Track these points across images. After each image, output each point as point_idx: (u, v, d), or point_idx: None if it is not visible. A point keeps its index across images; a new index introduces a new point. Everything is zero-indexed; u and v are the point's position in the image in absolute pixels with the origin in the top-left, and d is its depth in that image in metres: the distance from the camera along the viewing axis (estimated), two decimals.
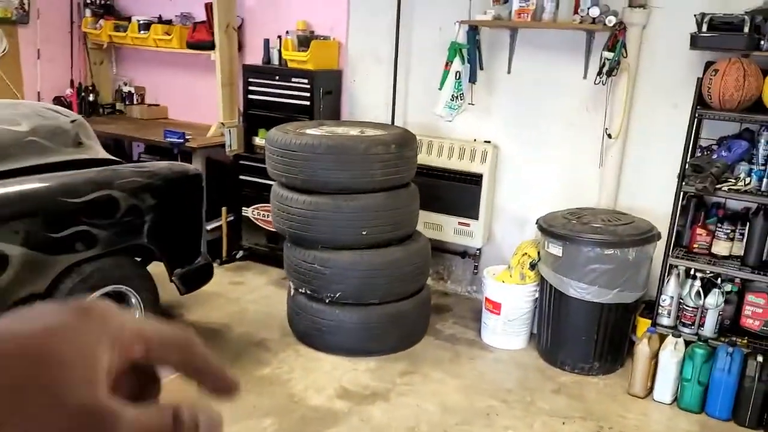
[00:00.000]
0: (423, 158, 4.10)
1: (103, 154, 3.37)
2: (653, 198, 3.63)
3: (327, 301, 3.41)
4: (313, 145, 3.22)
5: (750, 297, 3.23)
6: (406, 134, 3.48)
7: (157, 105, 5.32)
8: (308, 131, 3.51)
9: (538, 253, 3.52)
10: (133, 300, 3.10)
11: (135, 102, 5.33)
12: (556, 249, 3.32)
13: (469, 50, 3.81)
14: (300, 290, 3.51)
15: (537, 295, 3.59)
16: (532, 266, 3.56)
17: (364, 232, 3.31)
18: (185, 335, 0.38)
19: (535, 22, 3.51)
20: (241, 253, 4.73)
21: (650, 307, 3.50)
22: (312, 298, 3.47)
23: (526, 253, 3.58)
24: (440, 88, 3.78)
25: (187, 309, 3.92)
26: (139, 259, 3.31)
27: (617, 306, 3.31)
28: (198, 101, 5.05)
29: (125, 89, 5.36)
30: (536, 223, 3.51)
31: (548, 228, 3.37)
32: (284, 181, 3.41)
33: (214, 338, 3.60)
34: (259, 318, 3.87)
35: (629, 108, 3.55)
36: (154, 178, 3.14)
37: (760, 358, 2.98)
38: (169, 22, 4.91)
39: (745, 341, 3.23)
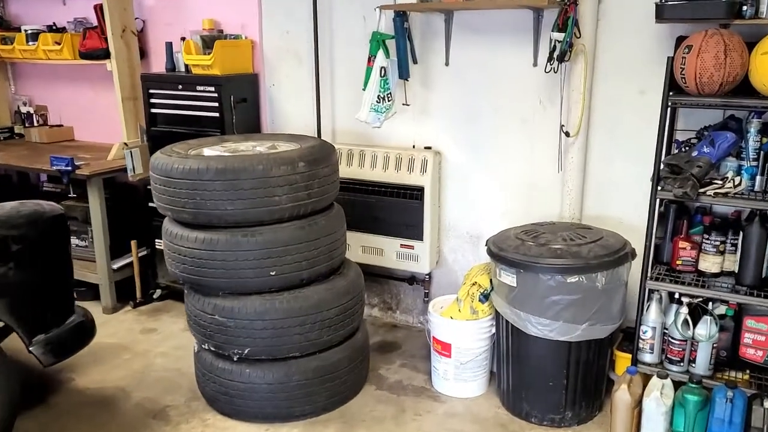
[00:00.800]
0: (355, 171, 3.49)
1: None
2: (625, 205, 3.02)
3: (235, 358, 2.77)
4: (198, 170, 2.58)
5: (749, 322, 2.63)
6: (322, 147, 2.85)
7: (61, 126, 4.65)
8: (204, 151, 2.87)
9: (491, 281, 2.91)
10: None
11: (36, 123, 4.66)
12: (509, 278, 2.71)
13: (397, 41, 3.18)
14: (204, 346, 2.88)
15: (493, 330, 2.97)
16: (485, 297, 2.94)
17: (272, 273, 2.67)
18: None
19: (470, 1, 2.88)
20: (158, 293, 4.07)
21: (630, 337, 2.90)
22: (217, 355, 2.83)
23: (476, 282, 2.96)
24: (364, 89, 3.15)
25: (79, 370, 3.26)
26: None
27: (588, 343, 2.70)
28: (102, 119, 4.39)
29: (24, 110, 4.69)
30: (486, 245, 2.89)
31: (499, 252, 2.75)
32: (172, 215, 2.77)
33: (104, 410, 2.95)
34: (167, 377, 3.22)
35: (588, 99, 2.94)
36: None
37: (767, 404, 2.37)
38: (62, 30, 4.25)
39: (747, 376, 2.64)
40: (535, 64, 3.04)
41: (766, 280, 2.59)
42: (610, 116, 2.97)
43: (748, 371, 2.65)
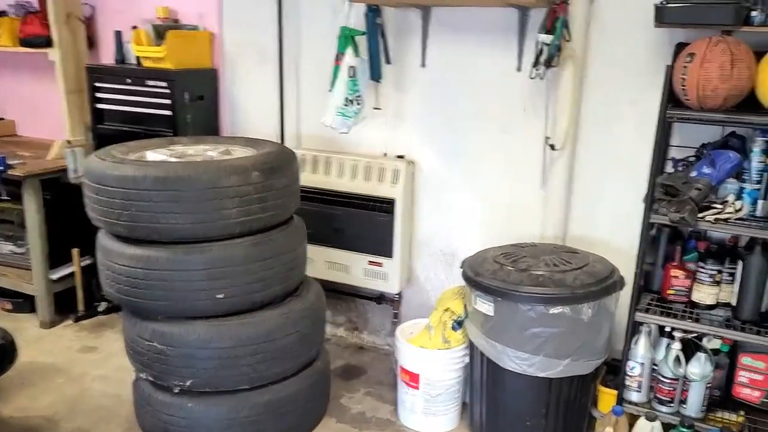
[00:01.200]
0: (320, 180, 3.19)
1: None
2: (613, 226, 2.77)
3: (176, 390, 2.45)
4: (134, 178, 2.25)
5: (745, 359, 2.40)
6: (280, 154, 2.54)
7: (2, 119, 4.26)
8: (146, 155, 2.55)
9: (465, 307, 2.63)
10: None
11: None
12: (485, 306, 2.43)
13: (369, 38, 2.89)
14: (141, 376, 2.55)
15: (467, 359, 2.70)
16: (458, 324, 2.67)
17: (219, 296, 2.36)
18: None
19: None
20: (103, 306, 3.72)
21: (614, 370, 2.65)
22: (156, 386, 2.51)
23: (448, 308, 2.69)
24: (331, 90, 2.85)
25: (3, 396, 2.91)
26: None
27: (571, 379, 2.44)
28: (48, 113, 4.02)
29: None
30: (461, 267, 2.62)
31: (475, 277, 2.48)
32: (105, 227, 2.44)
33: None
34: (103, 404, 2.89)
35: (577, 109, 2.68)
36: None
37: None
38: (2, 14, 3.86)
39: (742, 419, 2.41)
40: (519, 69, 2.77)
41: (765, 314, 2.36)
42: (600, 129, 2.71)
43: (742, 413, 2.42)
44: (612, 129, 2.69)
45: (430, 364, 2.68)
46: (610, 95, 2.65)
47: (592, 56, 2.63)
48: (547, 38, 2.44)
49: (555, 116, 2.69)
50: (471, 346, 2.62)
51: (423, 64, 3.00)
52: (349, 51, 2.76)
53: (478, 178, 3.04)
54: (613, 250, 2.69)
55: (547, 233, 2.85)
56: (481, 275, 2.47)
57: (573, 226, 2.86)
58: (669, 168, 2.53)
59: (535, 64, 2.52)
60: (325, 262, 3.28)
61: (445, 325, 2.66)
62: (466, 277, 2.54)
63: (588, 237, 2.82)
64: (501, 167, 2.97)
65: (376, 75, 2.96)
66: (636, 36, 2.52)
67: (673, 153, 2.55)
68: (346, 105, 2.81)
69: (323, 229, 3.20)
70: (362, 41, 2.87)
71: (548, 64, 2.48)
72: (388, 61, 3.01)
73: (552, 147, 2.69)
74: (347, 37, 2.76)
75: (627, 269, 2.49)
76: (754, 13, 2.15)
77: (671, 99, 2.28)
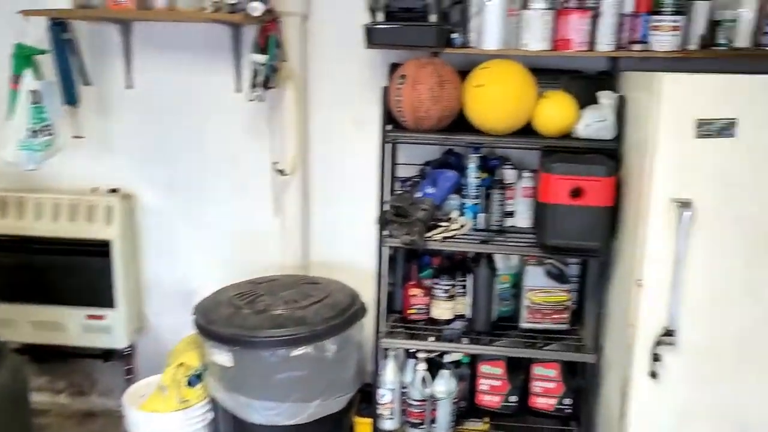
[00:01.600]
0: (13, 225, 2.67)
1: None
2: (354, 249, 2.70)
3: None
4: None
5: (484, 368, 2.49)
6: None
7: None
8: None
9: (203, 358, 2.34)
10: None
11: None
12: (223, 357, 2.17)
13: (57, 56, 2.42)
14: None
15: (211, 415, 2.41)
16: (197, 377, 2.37)
17: None
18: None
19: (143, 11, 2.27)
20: None
21: (368, 397, 2.57)
22: None
23: (182, 363, 2.36)
24: (10, 120, 2.32)
25: None
26: None
27: (324, 419, 2.29)
28: None
29: None
30: (193, 314, 2.31)
31: (208, 326, 2.20)
32: None
33: None
34: None
35: (304, 131, 2.55)
36: None
37: None
38: None
39: (488, 426, 2.50)
40: (238, 90, 2.54)
41: (496, 323, 2.47)
42: (329, 151, 2.61)
43: (487, 419, 2.51)
44: (341, 150, 2.61)
45: (166, 430, 2.34)
46: (336, 116, 2.57)
47: (313, 76, 2.52)
48: (261, 58, 2.25)
49: (282, 140, 2.52)
50: (213, 401, 2.34)
51: (130, 85, 2.62)
52: (29, 73, 2.27)
53: (208, 209, 2.75)
54: (357, 273, 2.61)
55: (286, 263, 2.68)
56: (215, 323, 2.20)
57: (315, 252, 2.73)
58: (398, 188, 2.53)
59: (253, 85, 2.32)
60: (31, 323, 2.71)
61: (180, 383, 2.34)
62: (200, 327, 2.25)
63: (331, 262, 2.71)
64: (232, 196, 2.73)
65: (71, 99, 2.51)
66: (353, 56, 2.45)
67: (402, 171, 2.55)
68: (31, 137, 2.31)
69: (23, 283, 2.67)
70: (47, 60, 2.39)
71: (266, 85, 2.29)
72: (87, 83, 2.57)
73: (281, 172, 2.51)
74: (24, 57, 2.26)
75: (371, 292, 2.43)
76: (454, 36, 2.21)
77: (391, 119, 2.26)
